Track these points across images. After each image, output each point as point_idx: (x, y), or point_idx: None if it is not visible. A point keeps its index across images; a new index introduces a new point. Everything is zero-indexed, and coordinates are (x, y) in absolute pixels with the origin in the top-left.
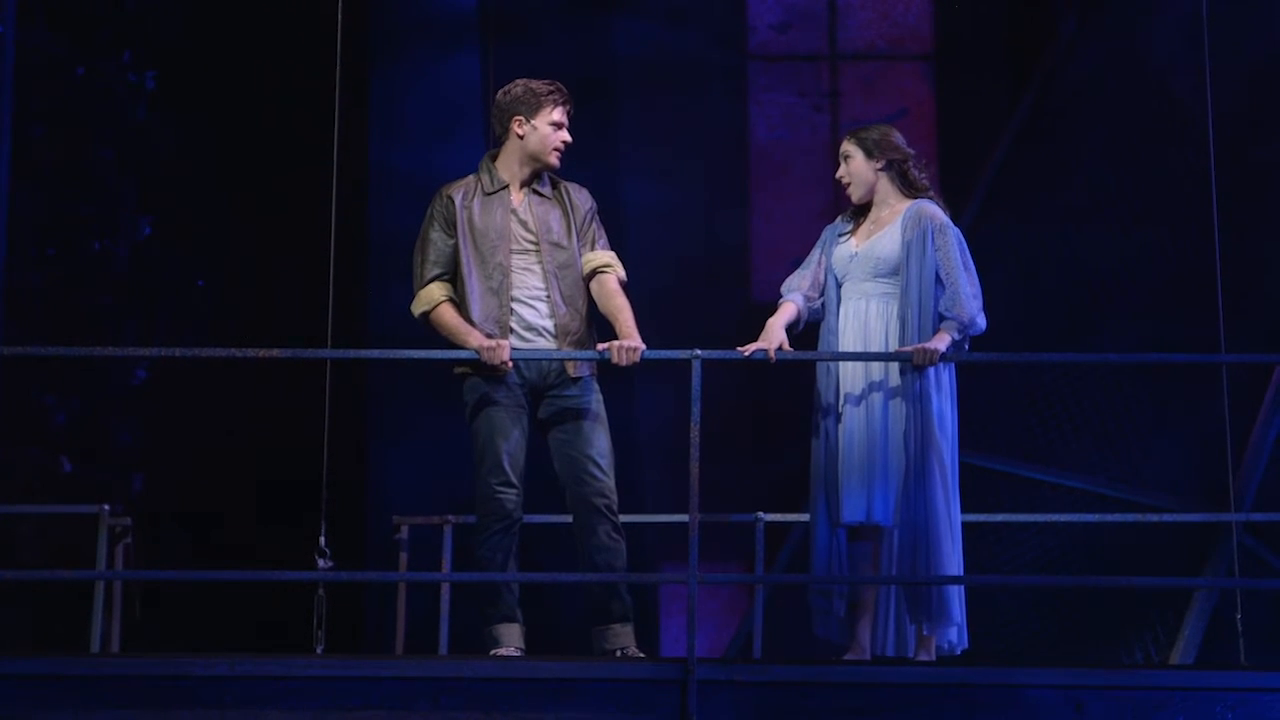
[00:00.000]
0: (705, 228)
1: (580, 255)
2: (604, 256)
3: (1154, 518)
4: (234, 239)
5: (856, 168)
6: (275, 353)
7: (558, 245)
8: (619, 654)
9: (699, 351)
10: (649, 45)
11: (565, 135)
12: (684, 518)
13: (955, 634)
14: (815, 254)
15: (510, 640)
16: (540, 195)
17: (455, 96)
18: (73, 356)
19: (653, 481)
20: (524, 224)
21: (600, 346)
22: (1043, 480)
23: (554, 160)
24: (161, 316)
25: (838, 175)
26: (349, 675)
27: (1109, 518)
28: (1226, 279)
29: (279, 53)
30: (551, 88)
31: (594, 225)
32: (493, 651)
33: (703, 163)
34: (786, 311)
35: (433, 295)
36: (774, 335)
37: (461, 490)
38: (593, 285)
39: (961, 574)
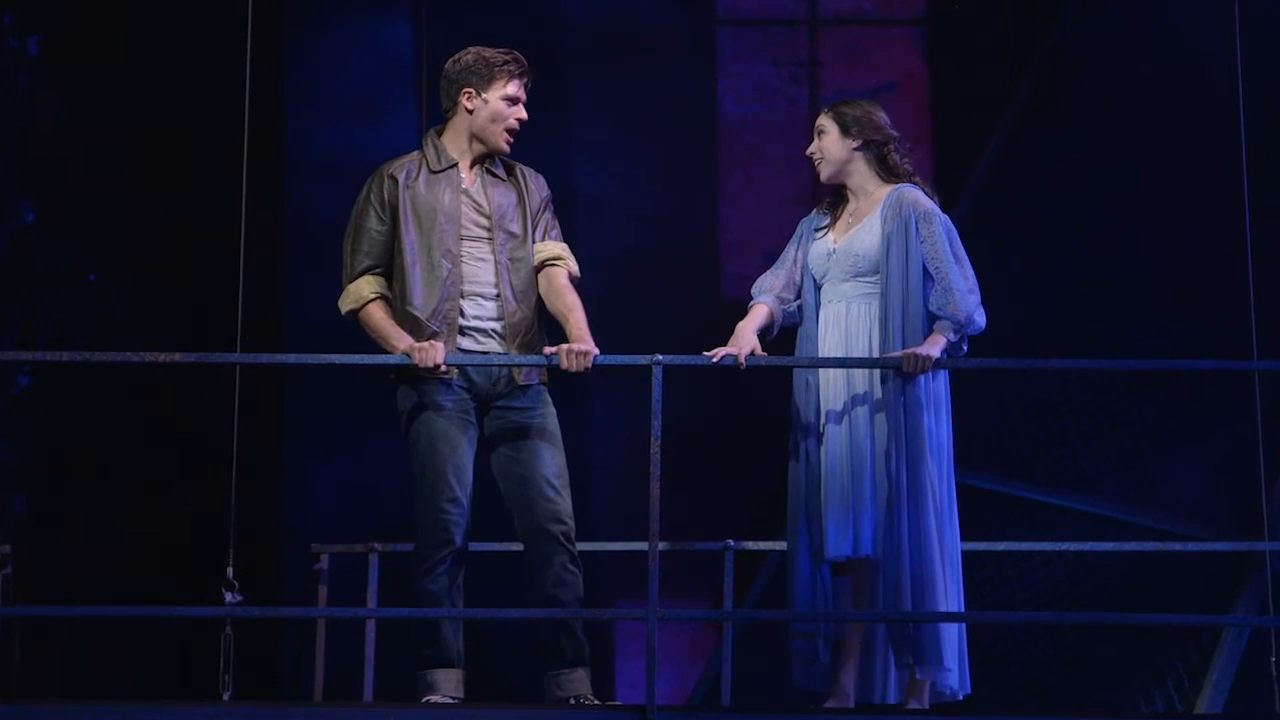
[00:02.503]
0: (667, 215)
1: (531, 246)
2: (555, 248)
3: (1176, 546)
4: (130, 227)
5: (829, 144)
6: (177, 357)
7: (512, 234)
8: (573, 701)
9: (660, 356)
10: (602, 8)
11: (520, 112)
12: (642, 545)
13: (953, 678)
14: (790, 251)
15: (447, 688)
16: (494, 176)
17: (383, 67)
18: None
19: (606, 504)
20: (477, 206)
21: (548, 350)
22: (1049, 503)
23: (503, 145)
24: (46, 315)
25: (808, 151)
26: None
27: (1125, 546)
28: (1259, 274)
29: (182, 16)
30: (507, 57)
31: (547, 213)
32: (425, 698)
33: (664, 142)
34: (758, 315)
35: (362, 291)
36: (744, 340)
37: (389, 515)
38: (540, 280)
39: (960, 609)
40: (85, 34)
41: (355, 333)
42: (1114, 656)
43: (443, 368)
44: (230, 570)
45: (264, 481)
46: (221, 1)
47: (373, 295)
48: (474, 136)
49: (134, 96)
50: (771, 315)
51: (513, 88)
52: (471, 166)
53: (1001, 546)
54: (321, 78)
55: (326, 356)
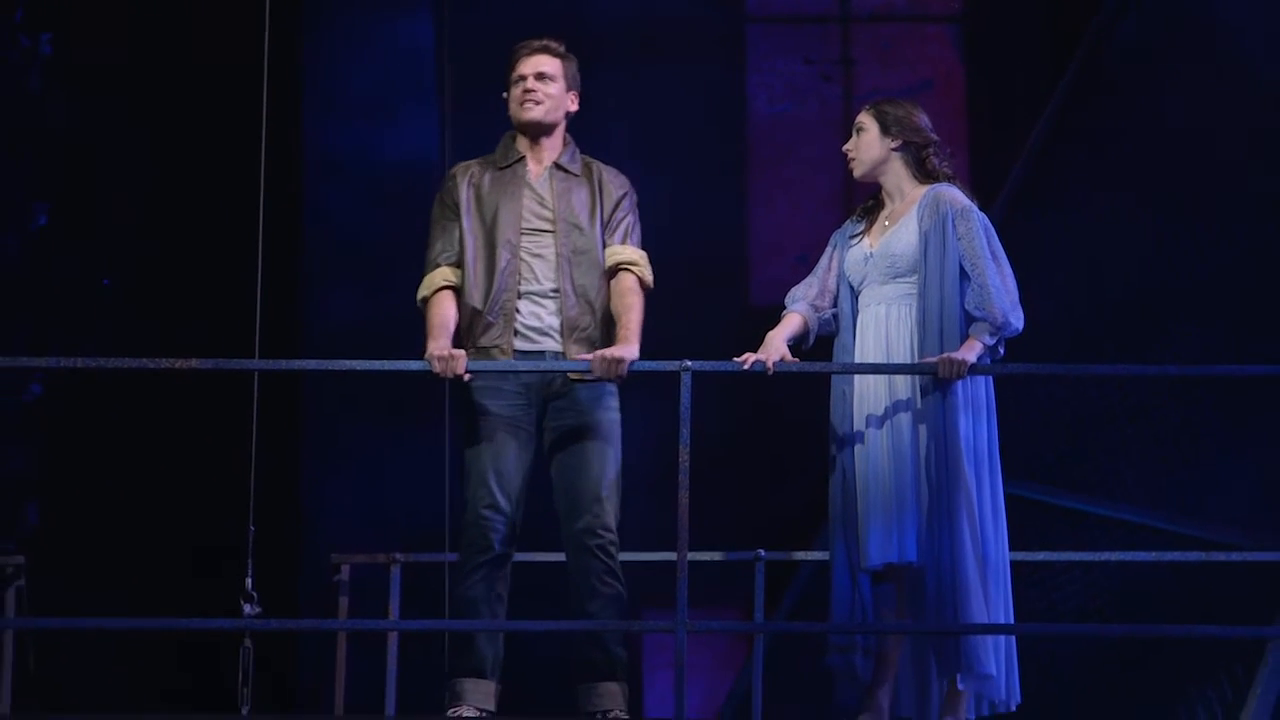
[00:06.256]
0: (695, 218)
1: (603, 245)
2: (631, 253)
3: (1221, 556)
4: (145, 230)
5: (866, 143)
6: (194, 363)
7: (576, 227)
8: (600, 716)
9: (689, 362)
10: (628, 4)
11: (527, 83)
12: (671, 555)
13: (997, 688)
14: (824, 261)
15: (475, 698)
16: (565, 171)
17: (404, 64)
18: None
19: (633, 513)
20: (540, 199)
21: (583, 355)
22: (1090, 512)
23: (524, 115)
24: (60, 321)
25: (844, 148)
26: None
27: (1168, 556)
28: None
29: (198, 13)
30: (517, 45)
31: (628, 217)
32: (450, 711)
33: (692, 142)
34: (790, 323)
35: (434, 280)
36: (774, 348)
37: (412, 524)
38: (611, 282)
39: (1009, 619)
40: (99, 32)
41: (378, 337)
42: (1156, 669)
43: (465, 377)
44: (249, 581)
45: (283, 490)
46: None
47: (443, 284)
48: (518, 128)
49: (148, 96)
50: (805, 324)
51: (521, 67)
52: (541, 162)
53: (1040, 557)
54: (341, 75)
55: (346, 363)
